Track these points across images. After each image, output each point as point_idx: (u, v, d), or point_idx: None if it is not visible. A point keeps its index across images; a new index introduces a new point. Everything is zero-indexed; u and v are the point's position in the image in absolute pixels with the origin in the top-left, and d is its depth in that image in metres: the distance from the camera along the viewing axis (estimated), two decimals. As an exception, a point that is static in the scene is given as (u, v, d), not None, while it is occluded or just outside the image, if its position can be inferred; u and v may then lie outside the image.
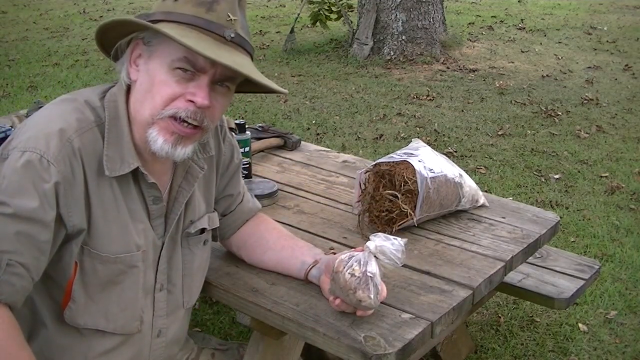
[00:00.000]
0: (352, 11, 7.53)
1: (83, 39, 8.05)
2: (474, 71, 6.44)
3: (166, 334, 1.49)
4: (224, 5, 1.29)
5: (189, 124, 1.29)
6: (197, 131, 1.32)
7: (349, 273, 1.37)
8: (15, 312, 1.22)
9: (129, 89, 1.35)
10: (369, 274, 1.37)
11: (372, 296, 1.36)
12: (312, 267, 1.53)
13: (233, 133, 1.66)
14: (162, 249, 1.43)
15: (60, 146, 1.24)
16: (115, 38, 1.35)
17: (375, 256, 1.39)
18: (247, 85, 1.37)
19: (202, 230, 1.52)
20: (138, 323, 1.41)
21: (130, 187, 1.35)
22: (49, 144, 1.23)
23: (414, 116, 5.19)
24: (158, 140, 1.29)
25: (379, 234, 1.41)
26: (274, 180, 2.14)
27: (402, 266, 1.64)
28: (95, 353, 1.40)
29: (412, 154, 1.85)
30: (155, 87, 1.28)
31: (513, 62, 6.79)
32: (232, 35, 1.28)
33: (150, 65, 1.30)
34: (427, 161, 1.82)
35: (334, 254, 1.54)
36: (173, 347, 1.55)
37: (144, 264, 1.39)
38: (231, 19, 1.29)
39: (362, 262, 1.38)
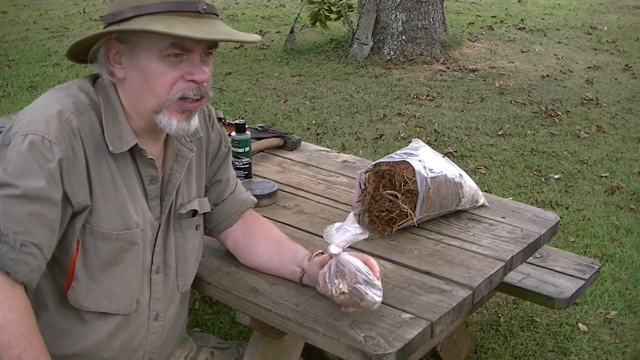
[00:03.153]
0: (352, 11, 7.53)
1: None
2: (474, 71, 6.44)
3: (164, 319, 1.51)
4: None
5: (195, 99, 1.36)
6: (201, 102, 1.38)
7: (341, 294, 1.36)
8: (29, 292, 1.26)
9: (113, 84, 1.38)
10: (356, 285, 1.35)
11: (374, 297, 1.35)
12: (303, 275, 1.53)
13: (222, 123, 1.68)
14: (158, 230, 1.47)
15: (60, 127, 1.28)
16: (87, 48, 1.38)
17: (344, 249, 1.38)
18: None
19: (194, 214, 1.55)
20: (135, 302, 1.44)
21: (128, 167, 1.39)
22: (49, 125, 1.28)
23: (414, 116, 5.19)
24: (172, 123, 1.35)
25: (331, 229, 1.40)
26: (274, 180, 2.14)
27: (402, 266, 1.64)
28: (95, 337, 1.42)
29: (412, 154, 1.85)
30: (152, 79, 1.32)
31: (513, 62, 6.79)
32: (205, 7, 1.32)
33: (137, 61, 1.32)
34: (427, 161, 1.82)
35: (322, 253, 1.52)
36: (169, 334, 1.56)
37: (143, 242, 1.42)
38: None
39: (339, 274, 1.36)
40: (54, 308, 1.40)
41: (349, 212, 1.92)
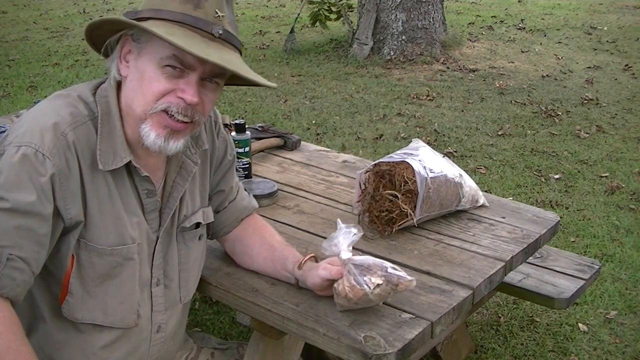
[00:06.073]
0: (352, 11, 7.53)
1: (83, 39, 7.92)
2: (474, 71, 6.44)
3: (165, 330, 1.50)
4: (211, 1, 1.30)
5: (180, 120, 1.31)
6: (188, 126, 1.34)
7: (376, 287, 1.36)
8: (16, 306, 1.24)
9: (119, 85, 1.36)
10: (388, 271, 1.37)
11: (408, 277, 1.38)
12: (297, 281, 1.53)
13: (228, 129, 1.65)
14: (156, 243, 1.44)
15: (54, 140, 1.26)
16: (105, 35, 1.35)
17: (351, 250, 1.41)
18: (237, 79, 1.37)
19: (197, 225, 1.53)
20: (135, 317, 1.42)
21: (124, 181, 1.37)
22: (44, 138, 1.25)
23: (414, 116, 5.19)
24: (151, 134, 1.31)
25: (330, 240, 1.43)
26: (274, 180, 2.14)
27: (402, 266, 1.64)
28: (94, 348, 1.40)
29: (412, 154, 1.85)
30: (145, 83, 1.30)
31: (513, 62, 6.79)
32: (220, 31, 1.30)
33: (140, 62, 1.31)
34: (427, 161, 1.82)
35: (314, 257, 1.52)
36: (170, 343, 1.55)
37: (139, 256, 1.40)
38: (219, 15, 1.30)
39: (365, 271, 1.37)
40: (50, 320, 1.38)
41: (348, 213, 1.94)
